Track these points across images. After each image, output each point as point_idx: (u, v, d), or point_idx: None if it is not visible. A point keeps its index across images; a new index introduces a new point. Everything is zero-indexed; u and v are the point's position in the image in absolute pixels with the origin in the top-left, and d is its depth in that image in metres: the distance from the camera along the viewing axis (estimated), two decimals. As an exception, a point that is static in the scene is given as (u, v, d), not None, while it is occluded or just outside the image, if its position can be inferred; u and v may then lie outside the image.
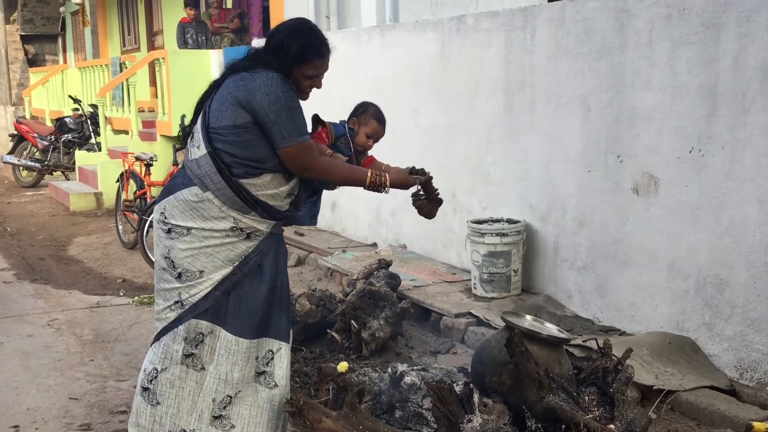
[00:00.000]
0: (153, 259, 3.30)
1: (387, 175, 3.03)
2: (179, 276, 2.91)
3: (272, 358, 2.98)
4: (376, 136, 3.41)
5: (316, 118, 3.35)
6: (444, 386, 2.98)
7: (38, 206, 10.64)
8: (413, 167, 3.12)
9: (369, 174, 3.00)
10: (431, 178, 3.12)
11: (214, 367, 2.91)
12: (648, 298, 4.42)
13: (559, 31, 4.89)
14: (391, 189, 3.04)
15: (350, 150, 3.34)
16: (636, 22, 4.36)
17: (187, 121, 3.20)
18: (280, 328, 2.99)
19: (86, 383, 4.28)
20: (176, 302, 2.93)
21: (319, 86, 3.01)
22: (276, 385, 2.98)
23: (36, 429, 3.74)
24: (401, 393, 3.43)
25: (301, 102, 2.95)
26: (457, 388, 3.10)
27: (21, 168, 12.31)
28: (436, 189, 3.15)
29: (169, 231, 2.91)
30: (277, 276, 2.99)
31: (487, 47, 5.52)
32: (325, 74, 3.02)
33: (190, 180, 2.88)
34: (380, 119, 3.41)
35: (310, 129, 3.06)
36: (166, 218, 2.92)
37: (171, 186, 2.97)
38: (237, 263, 2.91)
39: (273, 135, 2.80)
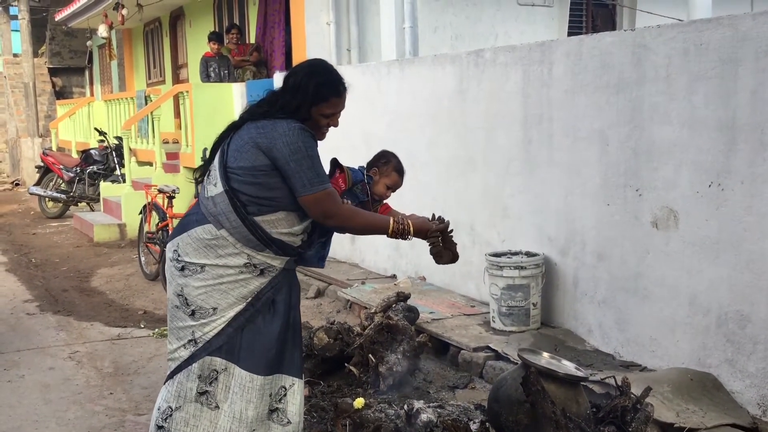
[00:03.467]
0: None
1: (410, 221, 3.04)
2: (193, 313, 2.92)
3: (285, 395, 2.97)
4: (395, 187, 3.49)
5: (335, 162, 3.39)
6: (460, 425, 2.97)
7: (63, 237, 10.77)
8: (433, 215, 3.16)
9: (391, 222, 3.01)
10: (449, 228, 3.13)
11: (228, 405, 2.91)
12: (669, 333, 4.38)
13: (577, 65, 4.91)
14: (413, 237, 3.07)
15: (366, 196, 3.38)
16: (653, 56, 4.37)
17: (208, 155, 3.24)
18: (293, 364, 3.00)
19: (105, 417, 4.30)
20: (190, 341, 2.94)
21: (336, 125, 3.04)
22: (289, 422, 2.98)
23: (55, 463, 3.77)
24: (417, 431, 3.41)
25: (323, 136, 3.00)
26: (473, 427, 3.08)
27: (47, 199, 12.50)
28: (455, 242, 3.18)
29: (182, 268, 2.93)
30: (290, 311, 3.00)
31: (505, 81, 5.55)
32: (343, 110, 3.05)
33: (204, 217, 2.91)
34: (401, 171, 3.49)
35: (327, 172, 3.08)
36: (179, 256, 2.94)
37: (185, 223, 2.99)
38: (250, 299, 2.92)
39: (294, 183, 2.82)
